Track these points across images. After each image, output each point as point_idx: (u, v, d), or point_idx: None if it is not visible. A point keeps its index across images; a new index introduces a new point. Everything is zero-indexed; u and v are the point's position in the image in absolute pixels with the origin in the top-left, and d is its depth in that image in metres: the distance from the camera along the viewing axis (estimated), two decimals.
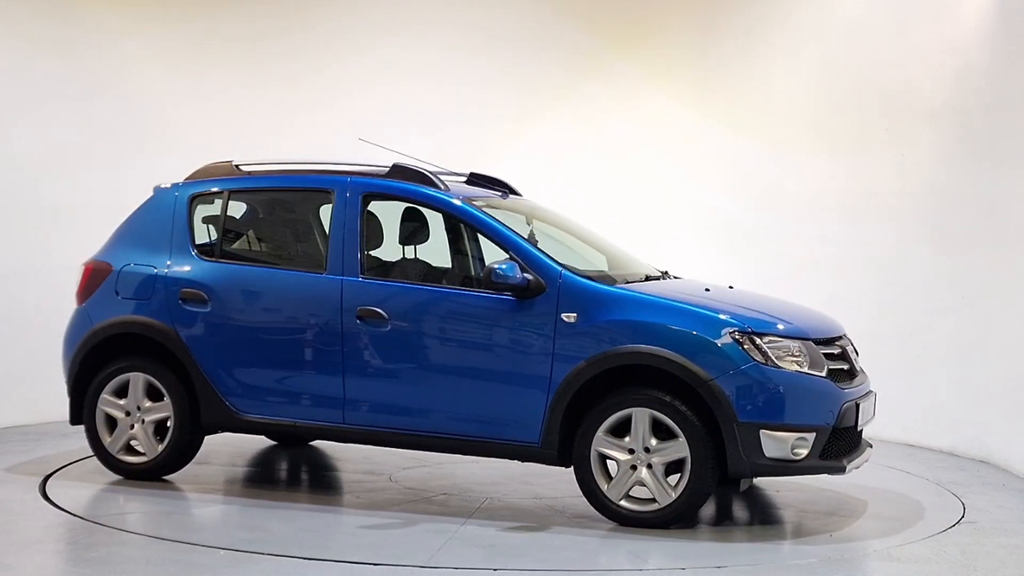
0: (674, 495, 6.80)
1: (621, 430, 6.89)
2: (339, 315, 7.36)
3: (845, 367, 7.15)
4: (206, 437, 7.89)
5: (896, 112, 10.05)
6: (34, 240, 10.05)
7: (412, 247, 7.89)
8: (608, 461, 6.95)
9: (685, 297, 7.13)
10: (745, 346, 6.75)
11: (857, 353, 7.53)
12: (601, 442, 6.90)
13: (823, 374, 6.90)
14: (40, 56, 10.09)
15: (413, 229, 7.76)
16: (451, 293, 7.30)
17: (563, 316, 6.98)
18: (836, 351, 7.15)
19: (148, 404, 7.78)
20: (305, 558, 6.18)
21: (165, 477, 7.88)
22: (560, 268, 7.11)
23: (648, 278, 7.65)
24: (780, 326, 6.96)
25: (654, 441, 6.82)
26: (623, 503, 6.90)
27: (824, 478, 7.60)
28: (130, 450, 7.86)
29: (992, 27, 9.24)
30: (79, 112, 10.30)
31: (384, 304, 7.31)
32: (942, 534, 7.01)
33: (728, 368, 6.72)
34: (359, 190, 7.56)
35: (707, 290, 7.44)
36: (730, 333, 6.78)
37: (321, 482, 8.32)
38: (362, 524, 6.97)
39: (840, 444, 7.00)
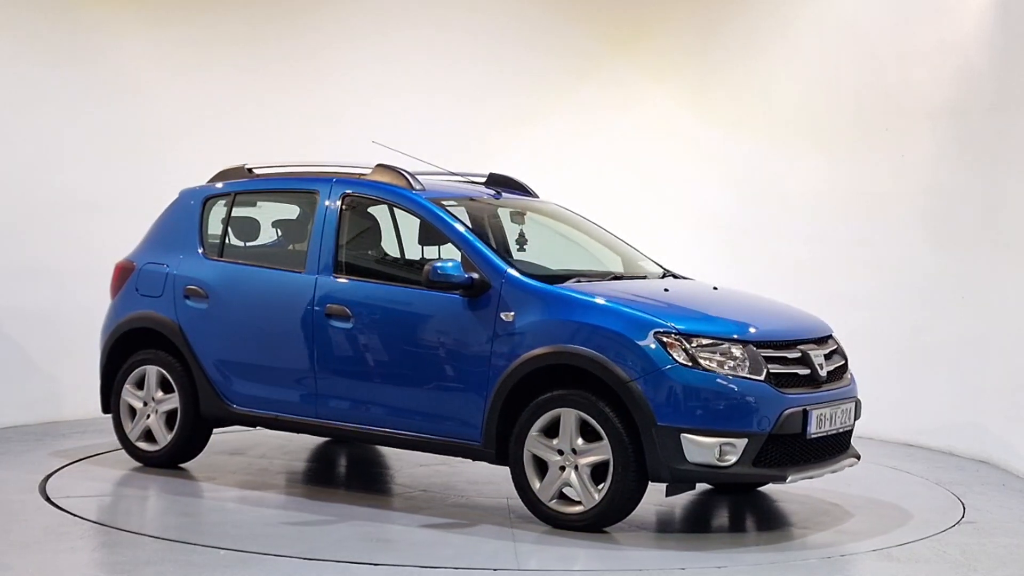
0: (597, 498, 6.69)
1: (555, 431, 6.83)
2: (311, 313, 7.54)
3: (803, 372, 6.87)
4: (254, 430, 8.12)
5: (896, 112, 10.05)
6: (33, 240, 10.04)
7: (435, 247, 7.91)
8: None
9: (623, 297, 6.97)
10: (670, 348, 6.58)
11: (844, 358, 7.30)
12: (534, 442, 6.85)
13: (761, 378, 6.65)
14: (40, 57, 10.08)
15: (432, 228, 7.73)
16: (408, 292, 7.32)
17: (502, 315, 6.99)
18: (795, 355, 6.88)
19: (160, 395, 8.15)
20: (305, 558, 6.19)
21: (182, 465, 8.24)
22: (505, 267, 7.11)
23: (618, 277, 7.56)
24: (714, 328, 6.77)
25: (581, 442, 6.73)
26: (553, 504, 6.81)
27: (823, 479, 7.56)
28: (149, 438, 8.22)
29: (992, 27, 9.25)
30: (79, 112, 10.29)
31: (349, 302, 7.45)
32: (942, 534, 7.01)
33: (648, 370, 6.57)
34: (339, 190, 7.76)
35: (666, 290, 7.32)
36: (655, 334, 6.63)
37: (324, 478, 8.31)
38: (287, 519, 7.01)
39: (783, 452, 6.71)
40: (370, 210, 8.00)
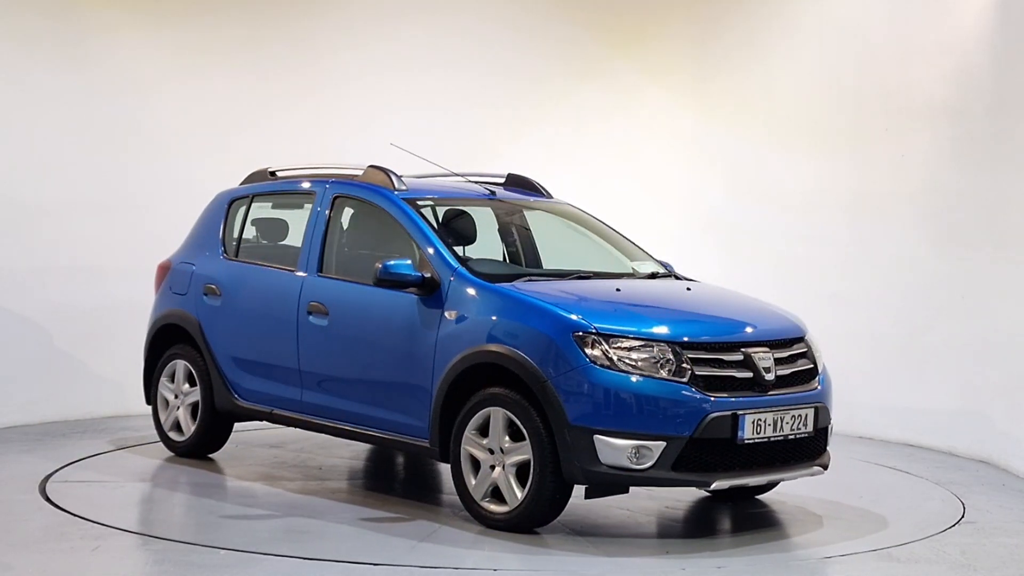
0: (520, 498, 6.62)
1: (488, 429, 6.80)
2: (297, 310, 7.72)
3: (742, 375, 6.62)
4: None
5: (895, 112, 10.05)
6: (32, 241, 10.04)
7: (460, 247, 7.88)
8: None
9: (555, 296, 6.86)
10: (587, 347, 6.48)
11: (813, 362, 7.02)
12: (469, 441, 6.81)
13: (683, 380, 6.47)
14: (40, 56, 10.09)
15: (455, 229, 7.74)
16: (377, 291, 7.33)
17: (446, 313, 7.02)
18: (735, 358, 6.65)
19: (186, 388, 8.51)
20: (305, 558, 6.19)
21: (211, 456, 8.60)
22: (456, 265, 7.13)
23: (583, 276, 7.46)
24: (638, 328, 6.59)
25: (507, 441, 6.69)
26: (484, 503, 6.77)
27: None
28: (179, 429, 8.58)
29: (992, 27, 9.25)
30: (78, 111, 10.29)
31: (327, 300, 7.61)
32: (942, 534, 7.01)
33: (563, 369, 6.48)
34: (331, 192, 7.94)
35: (618, 290, 7.19)
36: (574, 334, 6.54)
37: (337, 475, 8.30)
38: (226, 513, 7.16)
39: (709, 457, 6.49)
40: (360, 210, 8.03)
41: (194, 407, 8.45)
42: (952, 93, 9.59)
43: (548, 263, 8.17)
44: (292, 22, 11.14)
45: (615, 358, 6.49)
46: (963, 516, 7.45)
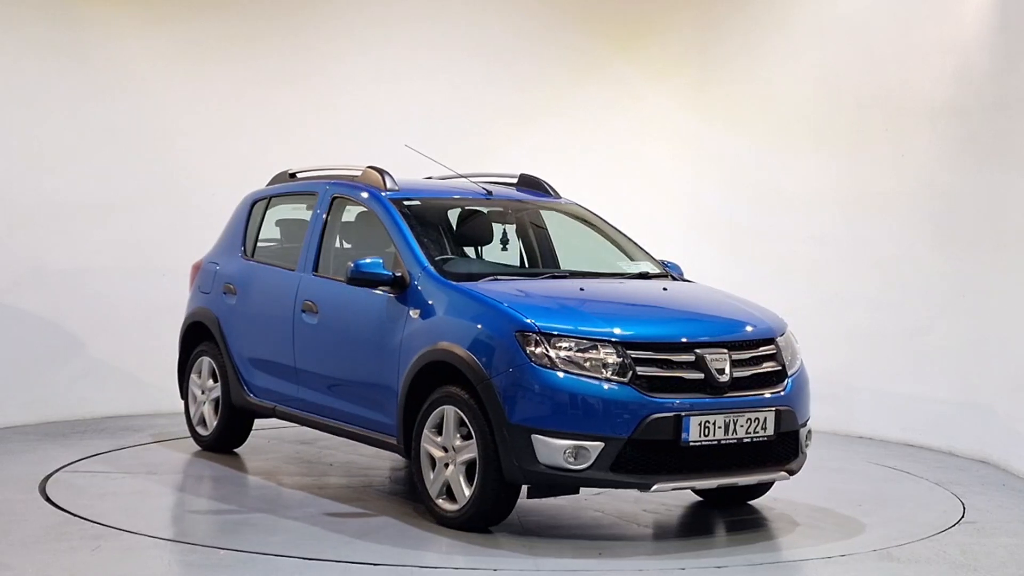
0: (468, 496, 6.62)
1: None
2: (293, 309, 7.87)
3: (692, 376, 6.48)
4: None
5: (896, 112, 10.05)
6: (32, 241, 10.05)
7: (477, 249, 7.96)
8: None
9: (505, 295, 6.81)
10: (528, 346, 6.43)
11: (782, 365, 6.80)
12: (427, 439, 6.82)
13: (624, 380, 6.37)
14: (40, 56, 10.09)
15: (471, 230, 7.79)
16: (357, 289, 7.36)
17: (411, 312, 7.04)
18: (686, 358, 6.52)
19: (211, 384, 8.74)
20: (304, 558, 6.19)
21: (236, 451, 8.82)
22: (425, 263, 7.14)
23: (557, 276, 7.44)
24: (581, 328, 6.51)
25: (458, 440, 6.69)
26: (438, 501, 6.78)
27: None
28: (204, 424, 8.81)
29: (992, 27, 9.25)
30: (79, 111, 10.30)
31: (317, 299, 7.73)
32: (942, 534, 7.01)
33: (505, 367, 6.45)
34: (331, 192, 8.05)
35: (581, 289, 7.11)
36: (516, 332, 6.49)
37: (345, 471, 8.32)
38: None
39: (651, 458, 6.38)
40: (354, 210, 8.08)
41: (216, 402, 8.65)
42: (952, 93, 9.59)
43: (544, 263, 8.17)
44: (299, 27, 11.15)
45: (555, 357, 6.44)
46: (963, 516, 7.45)
